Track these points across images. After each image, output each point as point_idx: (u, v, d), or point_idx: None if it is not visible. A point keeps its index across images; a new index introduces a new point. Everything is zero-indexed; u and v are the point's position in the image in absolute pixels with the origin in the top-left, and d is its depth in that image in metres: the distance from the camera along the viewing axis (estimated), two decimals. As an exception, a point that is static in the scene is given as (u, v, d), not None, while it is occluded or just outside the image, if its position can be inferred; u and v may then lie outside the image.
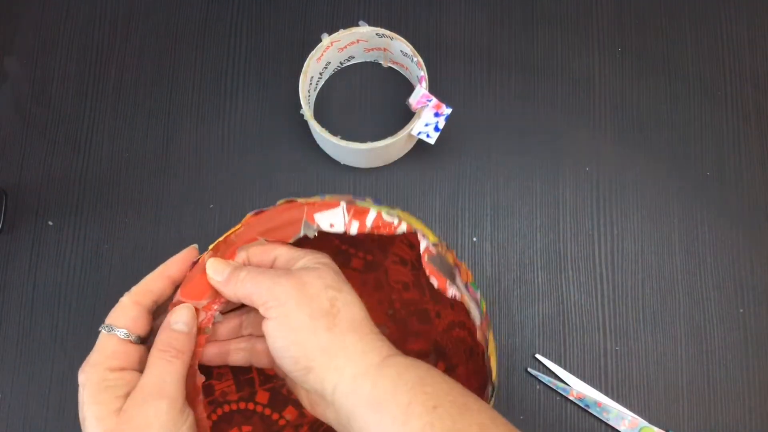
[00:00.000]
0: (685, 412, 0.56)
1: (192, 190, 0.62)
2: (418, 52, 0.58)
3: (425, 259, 0.40)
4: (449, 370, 0.52)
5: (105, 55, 0.65)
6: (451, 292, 0.39)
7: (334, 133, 0.58)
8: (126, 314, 0.39)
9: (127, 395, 0.37)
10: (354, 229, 0.40)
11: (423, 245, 0.40)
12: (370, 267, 0.52)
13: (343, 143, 0.57)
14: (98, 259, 0.60)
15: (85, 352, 0.58)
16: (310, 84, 0.60)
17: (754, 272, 0.59)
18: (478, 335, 0.41)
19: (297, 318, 0.37)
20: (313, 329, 0.37)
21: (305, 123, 0.61)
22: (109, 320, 0.39)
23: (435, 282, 0.39)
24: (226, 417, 0.47)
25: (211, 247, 0.42)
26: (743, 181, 0.61)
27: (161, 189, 0.62)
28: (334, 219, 0.41)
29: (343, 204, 0.40)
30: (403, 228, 0.40)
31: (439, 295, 0.50)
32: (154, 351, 0.38)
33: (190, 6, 0.66)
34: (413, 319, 0.53)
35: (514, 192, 0.61)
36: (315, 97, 0.63)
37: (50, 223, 0.61)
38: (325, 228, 0.41)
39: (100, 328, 0.40)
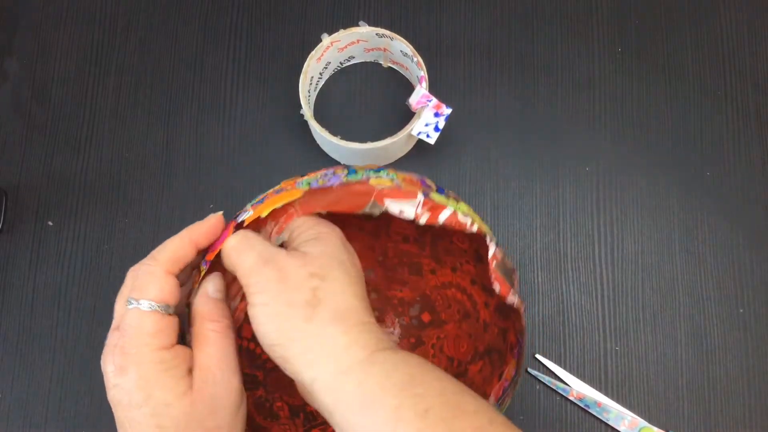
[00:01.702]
0: (685, 412, 0.56)
1: (192, 190, 0.62)
2: (418, 52, 0.58)
3: (493, 265, 0.39)
4: (435, 324, 0.51)
5: (105, 55, 0.65)
6: (510, 299, 0.39)
7: (334, 133, 0.58)
8: (162, 287, 0.37)
9: (188, 373, 0.35)
10: (423, 221, 0.39)
11: (491, 250, 0.39)
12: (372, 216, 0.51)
13: (343, 143, 0.57)
14: (98, 259, 0.60)
15: (85, 352, 0.58)
16: (310, 84, 0.60)
17: (754, 272, 0.59)
18: (521, 338, 0.41)
19: (275, 307, 0.35)
20: (289, 319, 0.35)
21: (305, 123, 0.61)
22: (140, 294, 0.36)
23: (498, 288, 0.38)
24: None
25: (248, 218, 0.39)
26: (743, 181, 0.61)
27: (161, 189, 0.62)
28: (405, 208, 0.39)
29: (420, 198, 0.39)
30: (474, 229, 0.39)
31: (441, 255, 0.50)
32: (205, 323, 0.36)
33: (190, 6, 0.66)
34: (404, 269, 0.53)
35: (514, 192, 0.61)
36: (315, 97, 0.63)
37: (50, 223, 0.61)
38: (394, 213, 0.39)
39: (134, 305, 0.36)
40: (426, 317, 0.53)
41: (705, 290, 0.59)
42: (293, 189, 0.39)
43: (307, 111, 0.58)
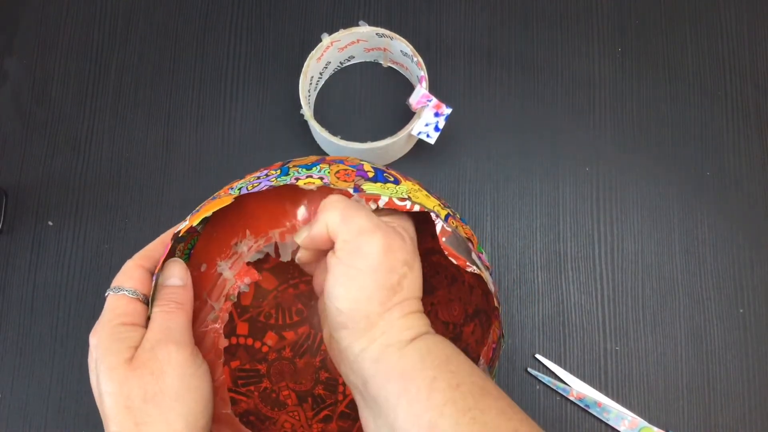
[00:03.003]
0: (685, 412, 0.56)
1: (192, 190, 0.62)
2: (418, 52, 0.58)
3: (443, 241, 0.39)
4: (426, 291, 0.51)
5: (105, 55, 0.65)
6: (471, 269, 0.39)
7: (334, 133, 0.58)
8: (131, 276, 0.40)
9: (138, 348, 0.38)
10: (371, 207, 0.40)
11: (438, 227, 0.40)
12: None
13: (343, 143, 0.57)
14: (98, 260, 0.60)
15: (85, 352, 0.58)
16: (310, 84, 0.60)
17: (754, 272, 0.59)
18: (495, 302, 0.42)
19: (365, 280, 0.36)
20: (370, 297, 0.36)
21: (305, 123, 0.61)
22: (115, 283, 0.40)
23: (455, 262, 0.39)
24: None
25: (183, 228, 0.40)
26: (743, 181, 0.61)
27: (161, 189, 0.62)
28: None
29: (354, 195, 0.40)
30: (416, 208, 0.40)
31: (416, 223, 0.50)
32: (154, 308, 0.39)
33: (190, 6, 0.66)
34: None
35: (514, 192, 0.61)
36: (315, 97, 0.63)
37: (50, 223, 0.61)
38: None
39: (106, 293, 0.40)
40: None
41: (705, 290, 0.59)
42: (225, 196, 0.40)
43: (307, 111, 0.58)
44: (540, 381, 0.57)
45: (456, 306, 0.51)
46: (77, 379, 0.58)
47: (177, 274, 0.41)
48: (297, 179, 0.39)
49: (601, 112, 0.63)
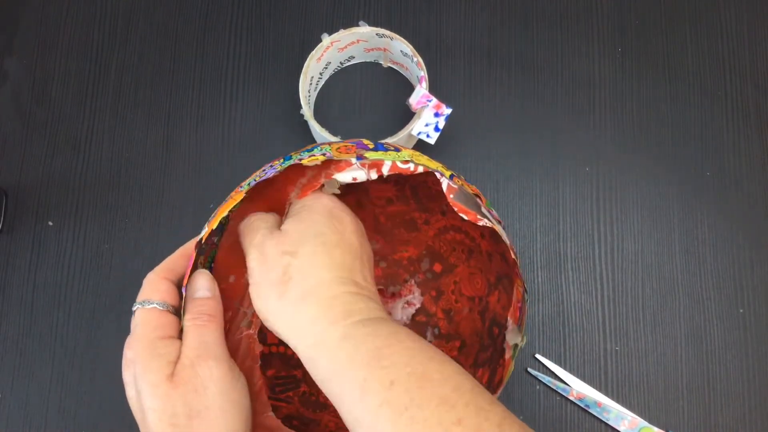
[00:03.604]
0: (685, 412, 0.56)
1: (192, 190, 0.62)
2: (418, 52, 0.58)
3: (450, 198, 0.40)
4: (447, 270, 0.53)
5: (105, 55, 0.65)
6: (482, 222, 0.40)
7: (334, 133, 0.58)
8: (157, 288, 0.40)
9: (176, 363, 0.38)
10: (374, 176, 0.41)
11: (444, 185, 0.40)
12: (349, 187, 0.52)
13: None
14: (98, 259, 0.60)
15: (85, 352, 0.58)
16: (310, 84, 0.60)
17: (754, 272, 0.59)
18: (512, 255, 0.42)
19: (257, 286, 0.39)
20: (268, 297, 0.38)
21: (305, 123, 0.61)
22: (142, 297, 0.39)
23: (466, 217, 0.40)
24: None
25: (204, 234, 0.41)
26: (743, 181, 0.61)
27: (161, 189, 0.62)
28: (356, 174, 0.41)
29: (356, 163, 0.41)
30: (420, 170, 0.40)
31: (426, 203, 0.52)
32: (186, 323, 0.39)
33: (190, 6, 0.66)
34: (401, 230, 0.54)
35: (514, 192, 0.61)
36: (315, 97, 0.63)
37: (50, 223, 0.61)
38: (348, 181, 0.41)
39: (134, 308, 0.39)
40: (437, 267, 0.54)
41: (705, 290, 0.59)
42: (236, 194, 0.40)
43: (307, 111, 0.58)
44: (540, 381, 0.57)
45: (478, 278, 0.51)
46: (77, 379, 0.58)
47: (205, 285, 0.40)
48: (300, 159, 0.40)
49: (601, 112, 0.63)
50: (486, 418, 0.33)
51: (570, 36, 0.65)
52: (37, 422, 0.57)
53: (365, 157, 0.40)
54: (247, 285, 0.40)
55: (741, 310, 0.58)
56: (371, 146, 0.42)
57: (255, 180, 0.40)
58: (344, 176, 0.41)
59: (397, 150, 0.41)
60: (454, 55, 0.64)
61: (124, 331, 0.60)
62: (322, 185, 0.42)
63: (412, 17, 0.65)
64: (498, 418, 0.33)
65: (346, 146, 0.41)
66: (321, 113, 0.63)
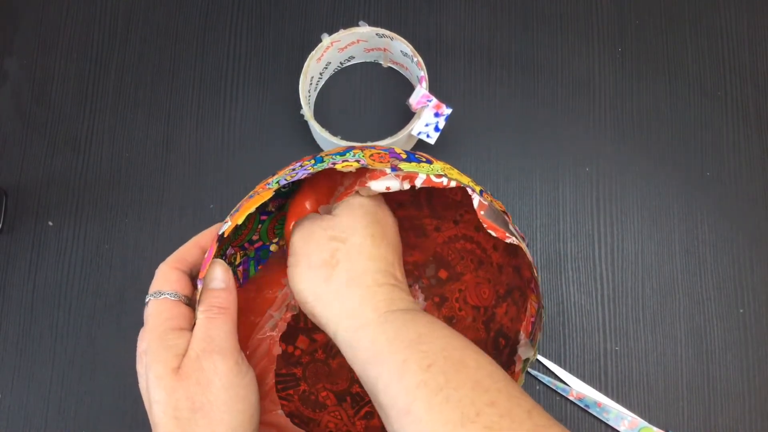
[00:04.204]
0: (685, 412, 0.56)
1: (192, 190, 0.62)
2: (418, 52, 0.58)
3: (481, 214, 0.40)
4: (453, 278, 0.53)
5: (105, 55, 0.65)
6: (509, 240, 0.40)
7: (334, 133, 0.58)
8: (168, 279, 0.40)
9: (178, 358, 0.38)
10: (406, 186, 0.41)
11: (475, 202, 0.40)
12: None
13: (343, 143, 0.57)
14: (98, 259, 0.60)
15: (85, 352, 0.58)
16: (310, 84, 0.60)
17: (754, 272, 0.59)
18: (535, 272, 0.42)
19: (300, 267, 0.40)
20: (312, 279, 0.39)
21: (305, 123, 0.61)
22: (154, 288, 0.39)
23: (494, 234, 0.40)
24: None
25: (226, 229, 0.40)
26: (743, 181, 0.61)
27: (161, 189, 0.62)
28: (390, 183, 0.41)
29: (390, 173, 0.41)
30: (452, 184, 0.41)
31: (440, 211, 0.52)
32: (198, 314, 0.38)
33: (190, 6, 0.66)
34: (409, 234, 0.54)
35: (514, 192, 0.61)
36: (315, 97, 0.63)
37: (50, 223, 0.61)
38: (382, 190, 0.41)
39: (147, 299, 0.39)
40: (443, 274, 0.54)
41: (705, 290, 0.59)
42: (264, 191, 0.40)
43: (307, 111, 0.58)
44: (540, 381, 0.57)
45: (485, 288, 0.52)
46: (77, 379, 0.58)
47: (219, 276, 0.40)
48: (334, 164, 0.40)
49: (601, 112, 0.63)
50: (518, 404, 0.34)
51: (570, 36, 0.65)
52: (37, 422, 0.57)
53: (400, 169, 0.40)
54: (283, 297, 0.41)
55: (741, 310, 0.58)
56: (404, 156, 0.42)
57: (285, 179, 0.39)
58: (378, 185, 0.41)
59: (429, 162, 0.42)
60: (454, 55, 0.64)
61: (124, 331, 0.60)
62: (357, 191, 0.43)
63: (412, 17, 0.65)
64: (528, 405, 0.34)
65: (379, 154, 0.42)
66: (321, 113, 0.63)
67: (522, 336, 0.45)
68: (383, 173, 0.41)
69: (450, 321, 0.54)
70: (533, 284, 0.43)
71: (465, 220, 0.52)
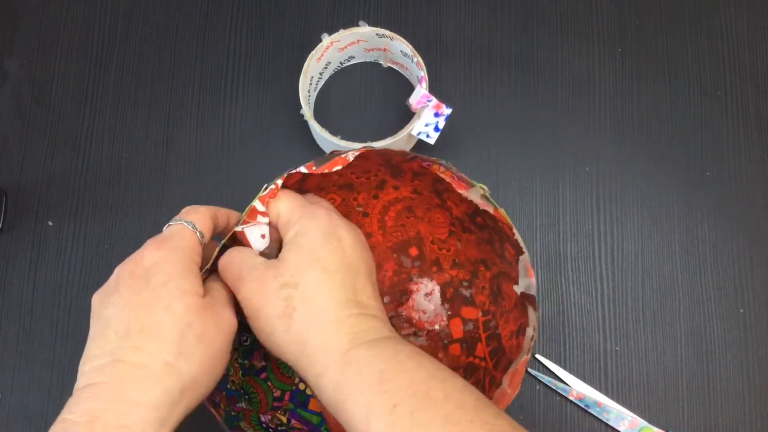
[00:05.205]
0: (685, 412, 0.56)
1: (192, 190, 0.62)
2: (418, 52, 0.58)
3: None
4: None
5: (105, 55, 0.65)
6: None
7: (334, 133, 0.58)
8: (204, 220, 0.42)
9: (201, 287, 0.39)
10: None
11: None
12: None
13: (343, 143, 0.57)
14: (98, 259, 0.60)
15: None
16: (310, 84, 0.60)
17: (754, 272, 0.59)
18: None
19: (260, 322, 0.39)
20: (273, 332, 0.39)
21: (305, 123, 0.61)
22: (189, 217, 0.41)
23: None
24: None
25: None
26: (743, 181, 0.61)
27: (161, 189, 0.62)
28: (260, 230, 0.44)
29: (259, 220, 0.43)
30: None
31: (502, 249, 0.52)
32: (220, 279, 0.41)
33: (190, 6, 0.66)
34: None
35: (514, 192, 0.61)
36: (315, 97, 0.63)
37: (50, 223, 0.61)
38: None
39: (179, 221, 0.41)
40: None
41: (705, 290, 0.59)
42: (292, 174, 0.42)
43: (307, 111, 0.58)
44: (540, 381, 0.57)
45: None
46: (77, 378, 0.58)
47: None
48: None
49: (601, 112, 0.63)
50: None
51: (570, 36, 0.65)
52: (37, 422, 0.57)
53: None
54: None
55: (741, 310, 0.58)
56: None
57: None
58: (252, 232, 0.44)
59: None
60: (454, 55, 0.64)
61: (124, 331, 0.59)
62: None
63: (412, 17, 0.65)
64: (506, 427, 0.33)
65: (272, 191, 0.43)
66: (321, 113, 0.63)
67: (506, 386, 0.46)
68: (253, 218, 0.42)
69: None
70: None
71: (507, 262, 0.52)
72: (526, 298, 0.46)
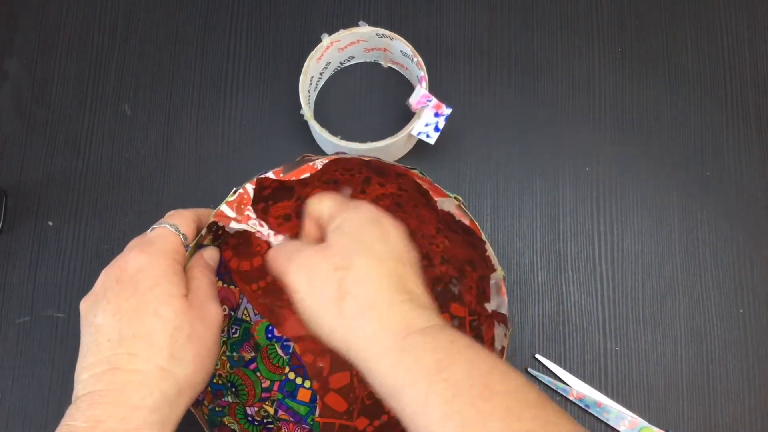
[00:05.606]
0: (685, 412, 0.56)
1: (192, 190, 0.62)
2: (418, 52, 0.58)
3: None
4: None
5: (105, 56, 0.65)
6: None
7: (334, 133, 0.58)
8: (187, 222, 0.43)
9: (185, 288, 0.41)
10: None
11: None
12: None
13: (343, 143, 0.57)
14: (98, 259, 0.60)
15: (85, 352, 0.58)
16: (310, 84, 0.60)
17: (754, 272, 0.59)
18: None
19: (309, 305, 0.39)
20: (324, 315, 0.38)
21: (305, 123, 0.61)
22: (173, 220, 0.43)
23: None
24: None
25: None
26: (743, 181, 0.61)
27: (161, 189, 0.62)
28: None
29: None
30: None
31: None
32: (194, 267, 0.43)
33: (190, 6, 0.66)
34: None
35: (514, 192, 0.61)
36: (315, 97, 0.63)
37: (50, 223, 0.61)
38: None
39: (162, 224, 0.42)
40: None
41: (705, 290, 0.59)
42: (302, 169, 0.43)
43: (307, 111, 0.58)
44: (540, 381, 0.57)
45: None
46: (77, 378, 0.58)
47: (214, 257, 0.45)
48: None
49: (601, 112, 0.63)
50: (555, 429, 0.32)
51: (570, 36, 0.65)
52: (37, 422, 0.57)
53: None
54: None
55: (741, 310, 0.58)
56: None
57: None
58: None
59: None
60: (454, 55, 0.64)
61: (124, 331, 0.59)
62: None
63: (412, 17, 0.65)
64: (568, 426, 0.33)
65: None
66: (321, 113, 0.63)
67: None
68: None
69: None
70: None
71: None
72: (496, 317, 0.46)
